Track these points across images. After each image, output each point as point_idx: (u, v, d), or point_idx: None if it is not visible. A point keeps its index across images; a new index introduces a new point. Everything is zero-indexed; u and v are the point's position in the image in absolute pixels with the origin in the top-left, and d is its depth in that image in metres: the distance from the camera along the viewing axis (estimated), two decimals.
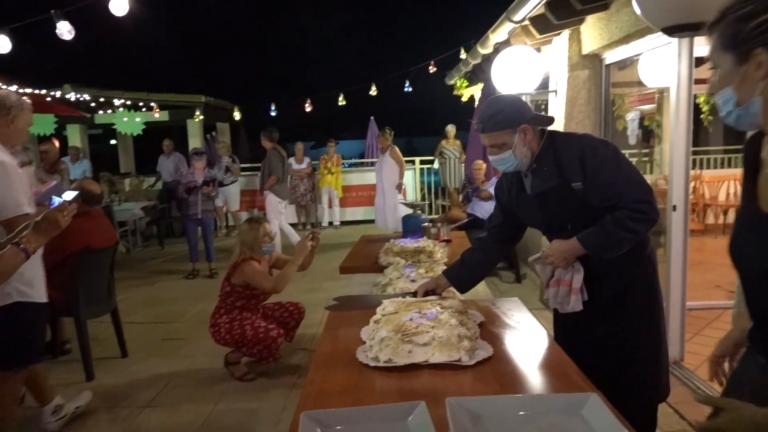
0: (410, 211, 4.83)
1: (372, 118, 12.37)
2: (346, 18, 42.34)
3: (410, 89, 10.55)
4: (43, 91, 5.33)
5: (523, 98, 5.02)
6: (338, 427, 1.14)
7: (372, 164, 12.28)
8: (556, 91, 4.99)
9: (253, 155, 13.07)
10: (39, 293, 2.55)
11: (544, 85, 5.12)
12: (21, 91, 5.03)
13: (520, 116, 1.98)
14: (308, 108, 10.81)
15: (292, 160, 9.99)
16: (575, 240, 1.92)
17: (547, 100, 5.43)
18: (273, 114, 11.04)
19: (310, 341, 4.33)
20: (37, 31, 3.44)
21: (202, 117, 10.50)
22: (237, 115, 10.82)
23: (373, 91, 10.01)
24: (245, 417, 3.24)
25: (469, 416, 1.12)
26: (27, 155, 6.47)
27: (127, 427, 3.20)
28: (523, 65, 4.68)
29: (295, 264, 3.66)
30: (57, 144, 10.59)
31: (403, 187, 8.67)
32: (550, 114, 5.20)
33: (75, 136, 10.39)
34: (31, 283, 2.51)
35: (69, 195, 2.09)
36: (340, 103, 10.57)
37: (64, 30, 3.10)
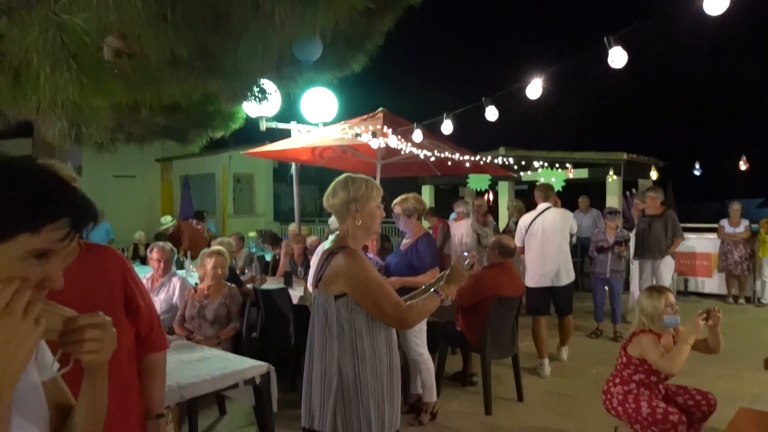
0: None
1: None
2: None
3: None
4: (478, 158, 6.30)
5: None
6: None
7: None
8: None
9: (682, 216, 12.03)
10: None
11: None
12: (463, 157, 6.10)
13: None
14: (743, 167, 9.27)
15: (725, 222, 8.74)
16: None
17: None
18: (697, 173, 9.93)
19: None
20: (473, 115, 4.17)
21: (615, 177, 10.30)
22: (654, 175, 10.17)
23: None
24: None
25: None
26: (466, 208, 7.72)
27: None
28: None
29: (687, 343, 3.21)
30: (487, 199, 12.22)
31: None
32: None
33: (504, 192, 11.79)
34: None
35: (464, 255, 2.44)
36: None
37: (491, 114, 3.72)
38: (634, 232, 6.93)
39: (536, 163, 8.28)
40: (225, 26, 2.50)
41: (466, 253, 2.48)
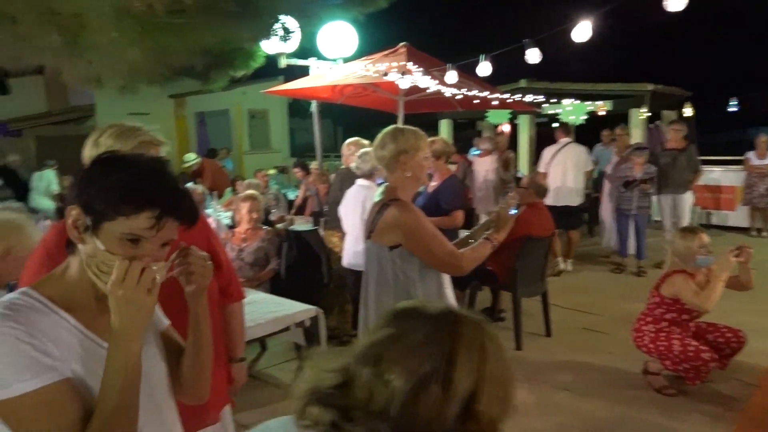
0: None
1: None
2: None
3: None
4: (506, 96, 6.18)
5: None
6: None
7: None
8: None
9: (702, 149, 11.81)
10: None
11: None
12: (492, 95, 5.98)
13: None
14: None
15: (751, 154, 8.59)
16: None
17: None
18: (733, 109, 9.66)
19: (749, 372, 3.79)
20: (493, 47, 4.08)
21: (645, 110, 10.04)
22: (688, 111, 9.89)
23: None
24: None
25: None
26: (491, 143, 7.65)
27: (543, 401, 3.57)
28: None
29: (720, 280, 3.27)
30: (507, 132, 12.03)
31: None
32: None
33: (525, 125, 11.60)
34: None
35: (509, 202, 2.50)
36: None
37: (533, 56, 3.62)
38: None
39: (565, 101, 8.11)
40: None
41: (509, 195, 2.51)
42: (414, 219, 2.20)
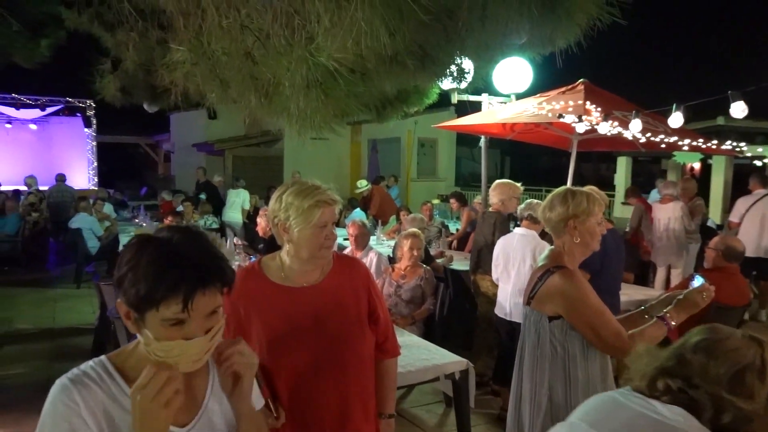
0: None
1: None
2: None
3: None
4: (700, 142, 5.49)
5: None
6: None
7: None
8: None
9: None
10: None
11: None
12: (683, 142, 5.32)
13: None
14: None
15: None
16: None
17: None
18: None
19: None
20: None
21: None
22: None
23: None
24: None
25: None
26: (675, 190, 6.89)
27: None
28: None
29: None
30: (697, 171, 10.75)
31: None
32: None
33: (720, 167, 10.28)
34: None
35: (699, 280, 2.20)
36: None
37: (738, 111, 3.19)
38: None
39: None
40: (450, 30, 2.50)
41: (699, 280, 2.20)
42: (579, 291, 2.04)
